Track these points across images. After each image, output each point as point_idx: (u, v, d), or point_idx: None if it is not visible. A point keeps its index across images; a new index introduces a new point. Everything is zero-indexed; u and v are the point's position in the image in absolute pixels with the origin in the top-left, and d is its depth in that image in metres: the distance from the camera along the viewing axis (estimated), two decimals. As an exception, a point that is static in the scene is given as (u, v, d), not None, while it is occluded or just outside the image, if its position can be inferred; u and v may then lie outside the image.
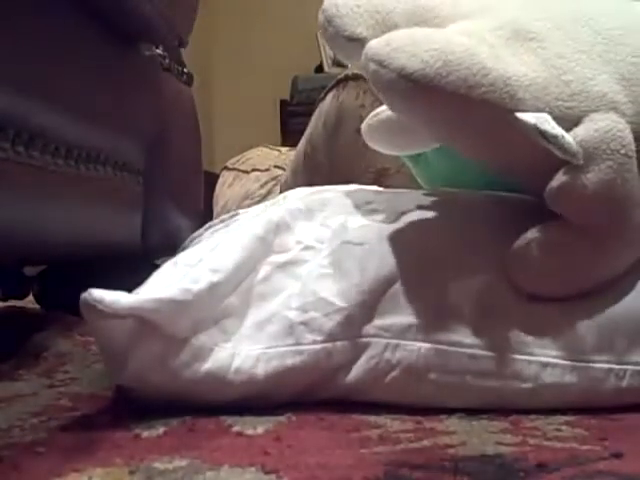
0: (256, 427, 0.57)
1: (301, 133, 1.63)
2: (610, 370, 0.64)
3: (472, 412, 0.62)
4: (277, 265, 0.68)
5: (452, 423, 0.59)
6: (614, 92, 0.64)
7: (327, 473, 0.47)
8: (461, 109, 0.61)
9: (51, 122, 0.87)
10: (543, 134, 0.59)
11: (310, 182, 1.08)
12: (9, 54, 0.76)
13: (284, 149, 2.18)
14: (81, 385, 0.75)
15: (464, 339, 0.64)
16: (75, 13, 0.93)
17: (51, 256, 1.17)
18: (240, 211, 0.82)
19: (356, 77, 1.43)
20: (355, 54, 0.66)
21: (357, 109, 1.42)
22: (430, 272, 0.66)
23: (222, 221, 0.81)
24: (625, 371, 0.64)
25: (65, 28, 0.91)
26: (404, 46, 0.60)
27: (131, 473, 0.47)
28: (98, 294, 0.56)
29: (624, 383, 0.64)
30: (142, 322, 0.58)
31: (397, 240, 0.67)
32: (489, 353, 0.63)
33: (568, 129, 0.61)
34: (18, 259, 1.14)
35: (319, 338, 0.63)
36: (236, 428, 0.57)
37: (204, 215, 1.51)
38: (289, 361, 0.62)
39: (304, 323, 0.63)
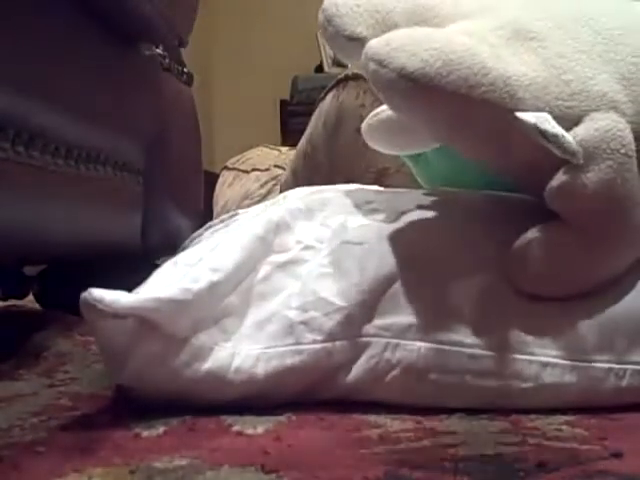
0: (256, 427, 0.57)
1: (301, 133, 1.63)
2: (610, 370, 0.64)
3: (472, 412, 0.62)
4: (277, 265, 0.68)
5: (452, 423, 0.59)
6: (614, 92, 0.64)
7: (327, 473, 0.47)
8: (461, 109, 0.61)
9: (51, 122, 0.87)
10: (543, 133, 0.59)
11: (310, 182, 1.08)
12: (9, 54, 0.76)
13: (284, 149, 2.18)
14: (81, 385, 0.74)
15: (464, 339, 0.64)
16: (75, 13, 0.93)
17: (51, 256, 1.17)
18: (240, 211, 0.82)
19: (356, 77, 1.43)
20: (355, 54, 0.66)
21: (357, 109, 1.42)
22: (430, 272, 0.66)
23: (222, 221, 0.81)
24: (625, 371, 0.64)
25: (65, 28, 0.91)
26: (404, 45, 0.60)
27: (131, 473, 0.47)
28: (98, 293, 0.56)
29: (624, 383, 0.64)
30: (142, 322, 0.58)
31: (397, 240, 0.67)
32: (489, 353, 0.63)
33: (568, 128, 0.61)
34: (18, 259, 1.14)
35: (319, 338, 0.63)
36: (236, 428, 0.57)
37: (204, 215, 1.51)
38: (289, 361, 0.62)
39: (304, 323, 0.63)
